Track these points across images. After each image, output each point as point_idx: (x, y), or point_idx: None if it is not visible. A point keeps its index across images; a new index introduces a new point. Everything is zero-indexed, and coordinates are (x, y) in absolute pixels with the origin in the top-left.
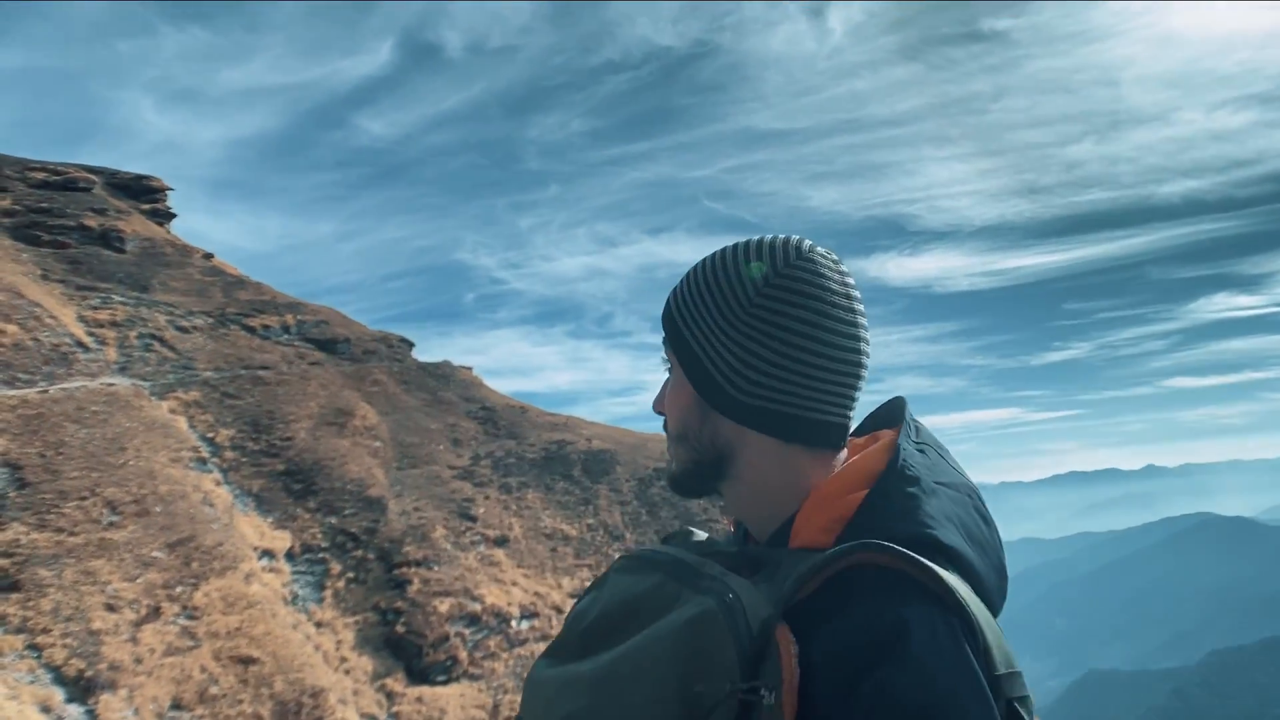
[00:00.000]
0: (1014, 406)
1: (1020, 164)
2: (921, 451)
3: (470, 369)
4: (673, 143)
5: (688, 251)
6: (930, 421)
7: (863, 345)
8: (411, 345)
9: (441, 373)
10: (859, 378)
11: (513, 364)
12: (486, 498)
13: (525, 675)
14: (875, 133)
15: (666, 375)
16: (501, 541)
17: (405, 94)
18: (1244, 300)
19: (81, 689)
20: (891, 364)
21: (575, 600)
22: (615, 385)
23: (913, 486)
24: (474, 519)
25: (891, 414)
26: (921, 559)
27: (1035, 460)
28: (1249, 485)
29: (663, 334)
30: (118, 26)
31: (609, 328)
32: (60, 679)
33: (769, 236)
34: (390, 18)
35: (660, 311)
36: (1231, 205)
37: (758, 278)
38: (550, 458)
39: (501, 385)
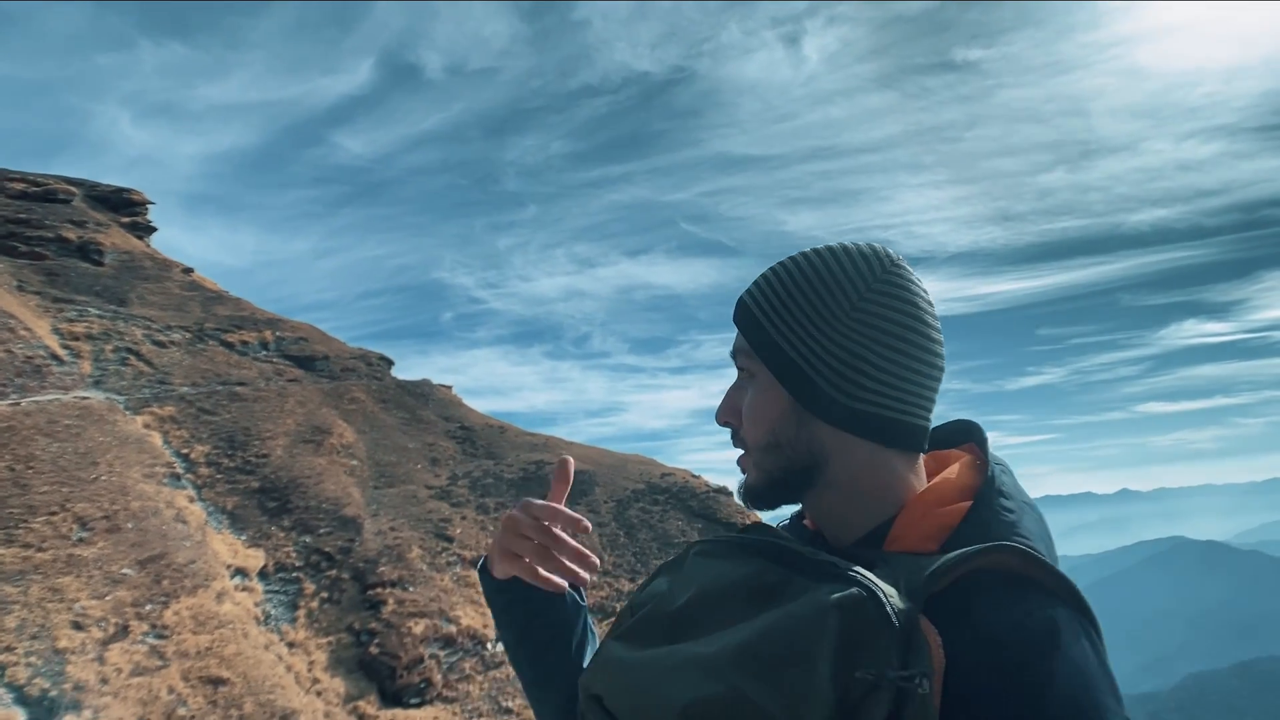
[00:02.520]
0: (990, 431)
1: (993, 192)
2: (1001, 470)
3: (449, 388)
4: (650, 166)
5: (666, 273)
6: None
7: (943, 351)
8: (391, 363)
9: (420, 391)
10: (940, 382)
11: (491, 383)
12: (463, 518)
13: (600, 656)
14: (851, 159)
15: (742, 384)
16: (477, 563)
17: (384, 113)
18: (1214, 327)
19: (45, 709)
20: None
21: (642, 583)
22: (593, 406)
23: (1009, 502)
24: (450, 539)
25: (954, 433)
26: (1057, 567)
27: None
28: (1222, 509)
29: (740, 340)
30: (96, 39)
31: (587, 348)
32: (23, 699)
33: (855, 243)
34: (370, 38)
35: (637, 332)
36: (1200, 234)
37: (860, 281)
38: (528, 478)
39: (480, 405)
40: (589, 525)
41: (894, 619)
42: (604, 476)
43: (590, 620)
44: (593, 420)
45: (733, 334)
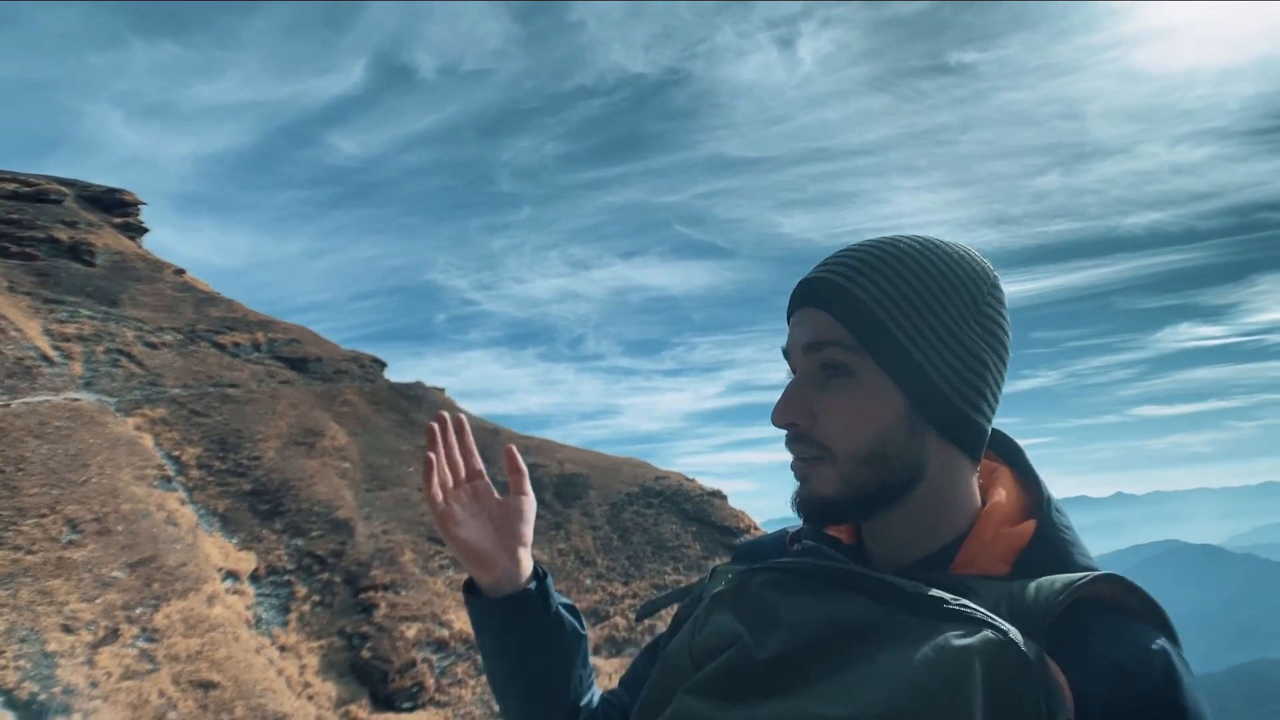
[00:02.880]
0: None
1: (988, 194)
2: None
3: (443, 390)
4: (645, 168)
5: (660, 276)
6: None
7: None
8: (384, 365)
9: (414, 394)
10: None
11: (484, 385)
12: None
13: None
14: (845, 162)
15: (820, 381)
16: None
17: (378, 114)
18: (1208, 330)
19: (34, 713)
20: None
21: (688, 617)
22: (587, 408)
23: (1065, 519)
24: (443, 543)
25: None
26: (1154, 598)
27: None
28: (1216, 513)
29: (834, 331)
30: (89, 38)
31: (581, 351)
32: (12, 702)
33: (949, 240)
34: (363, 38)
35: (633, 334)
36: (1194, 237)
37: (982, 282)
38: None
39: (473, 407)
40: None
41: (1032, 663)
42: (598, 479)
43: (589, 651)
44: (587, 423)
45: (729, 331)
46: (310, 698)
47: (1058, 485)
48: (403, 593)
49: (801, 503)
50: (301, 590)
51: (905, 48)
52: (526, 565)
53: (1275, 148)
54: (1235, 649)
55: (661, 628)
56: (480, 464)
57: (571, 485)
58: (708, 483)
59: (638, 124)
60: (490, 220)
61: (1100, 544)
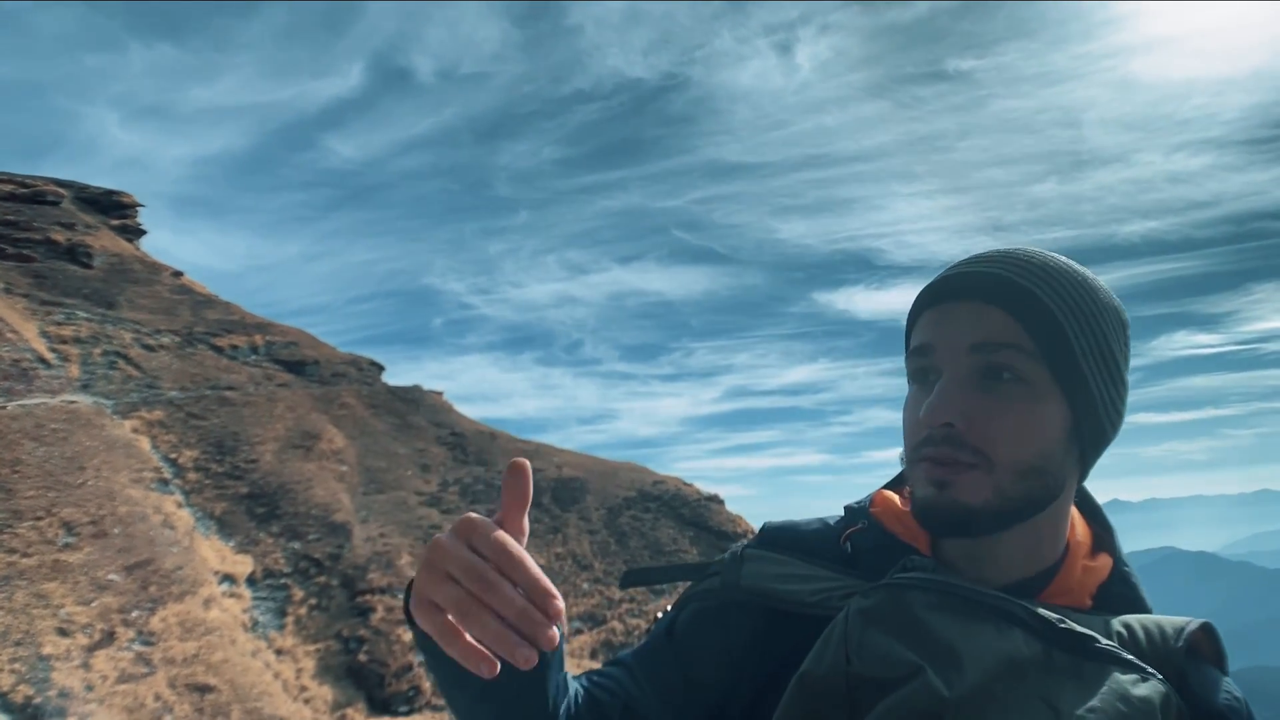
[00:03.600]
0: None
1: (985, 202)
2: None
3: (440, 394)
4: (643, 173)
5: (658, 281)
6: (898, 454)
7: None
8: (382, 369)
9: (411, 397)
10: None
11: (481, 390)
12: None
13: None
14: (843, 168)
15: (987, 386)
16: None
17: (375, 117)
18: (1204, 338)
19: (29, 717)
20: (860, 397)
21: (843, 636)
22: (585, 413)
23: (1126, 557)
24: None
25: None
26: (1222, 643)
27: None
28: (1211, 520)
29: (1018, 336)
30: (85, 40)
31: (578, 355)
32: (8, 706)
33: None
34: (361, 41)
35: (632, 339)
36: (1190, 246)
37: (1125, 321)
38: None
39: (470, 411)
40: (551, 592)
41: (1186, 714)
42: (595, 484)
43: (568, 681)
44: (584, 427)
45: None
46: (307, 701)
47: None
48: (400, 596)
49: (935, 508)
50: (298, 593)
51: (903, 54)
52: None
53: (1272, 157)
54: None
55: (644, 600)
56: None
57: (569, 489)
58: (705, 488)
59: (636, 129)
60: (488, 224)
61: None
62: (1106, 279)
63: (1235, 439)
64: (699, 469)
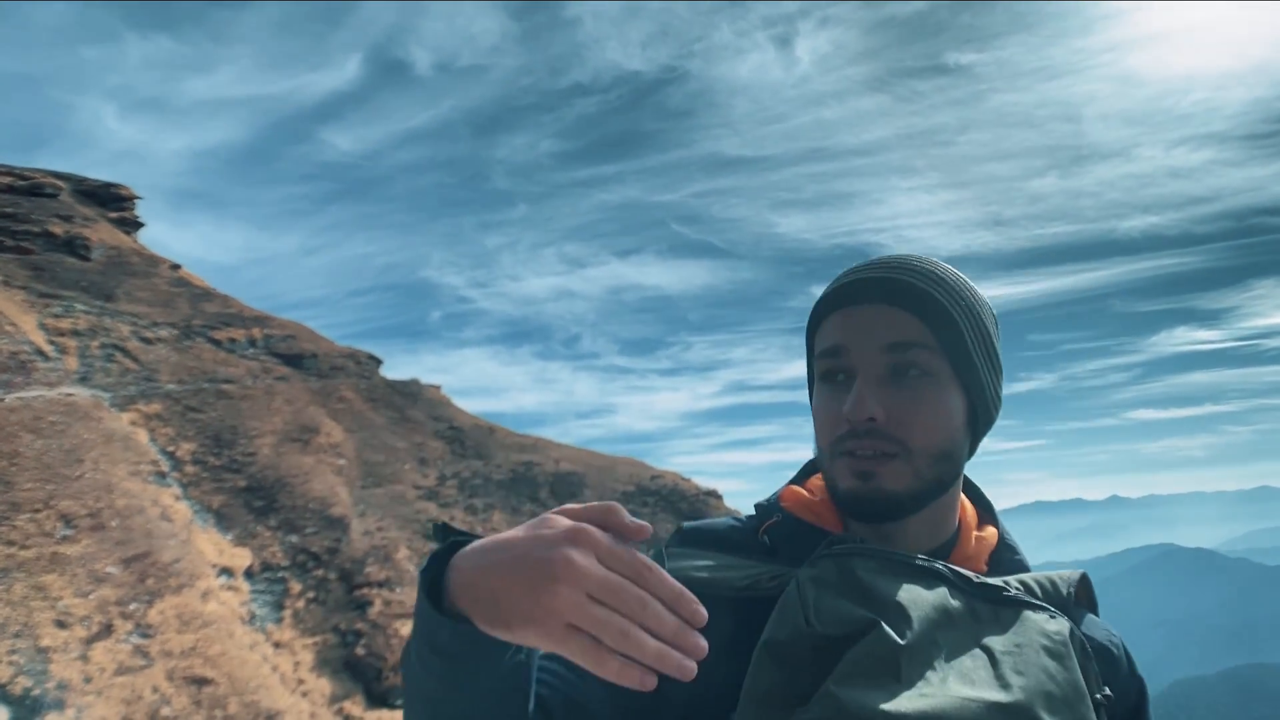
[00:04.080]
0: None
1: (985, 196)
2: None
3: (438, 387)
4: (641, 166)
5: (656, 275)
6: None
7: None
8: (380, 362)
9: (409, 391)
10: None
11: (480, 383)
12: (452, 518)
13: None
14: (842, 162)
15: (901, 382)
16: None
17: (373, 110)
18: (1204, 334)
19: (28, 708)
20: None
21: (819, 605)
22: (583, 407)
23: (1008, 528)
24: (438, 540)
25: None
26: (1094, 592)
27: (1002, 490)
28: (1211, 517)
29: (924, 335)
30: (82, 32)
31: (577, 349)
32: (5, 698)
33: None
34: (358, 33)
35: (630, 333)
36: (1191, 241)
37: (994, 312)
38: (517, 479)
39: (468, 405)
40: (691, 599)
41: (1087, 645)
42: (593, 478)
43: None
44: (582, 421)
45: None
46: (304, 694)
47: (1051, 488)
48: (397, 590)
49: (863, 497)
50: (296, 587)
51: (903, 48)
52: None
53: (1273, 152)
54: (1228, 652)
55: None
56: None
57: (567, 484)
58: (703, 482)
59: (634, 122)
60: (485, 218)
61: (1095, 547)
62: (1107, 274)
63: (1235, 435)
64: (697, 464)
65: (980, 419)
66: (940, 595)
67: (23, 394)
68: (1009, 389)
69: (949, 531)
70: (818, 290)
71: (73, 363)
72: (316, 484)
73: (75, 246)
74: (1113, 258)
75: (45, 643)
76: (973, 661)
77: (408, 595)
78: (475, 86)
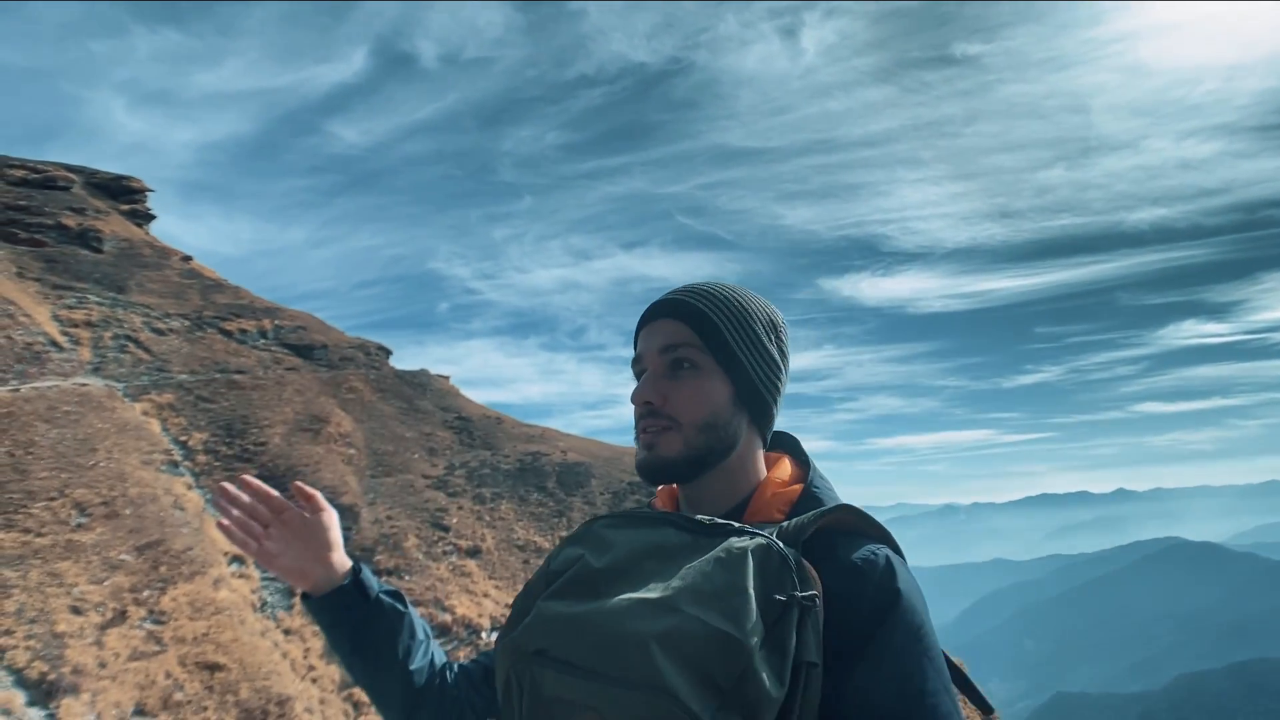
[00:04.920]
0: (987, 428)
1: (992, 188)
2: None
3: (447, 378)
4: (646, 158)
5: (662, 266)
6: (902, 441)
7: None
8: (389, 353)
9: (418, 381)
10: None
11: (487, 374)
12: (460, 508)
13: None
14: (849, 153)
15: (675, 373)
16: (474, 552)
17: (379, 102)
18: (1212, 328)
19: (44, 692)
20: (864, 384)
21: (548, 556)
22: (589, 398)
23: (828, 485)
24: (446, 529)
25: (778, 440)
26: (878, 520)
27: (1007, 482)
28: (1217, 511)
29: (688, 336)
30: (90, 26)
31: (583, 341)
32: (22, 682)
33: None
34: (364, 26)
35: (635, 323)
36: (1200, 233)
37: (780, 320)
38: (525, 469)
39: (476, 395)
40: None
41: (789, 558)
42: (600, 469)
43: (417, 622)
44: (589, 412)
45: None
46: (314, 680)
47: (1057, 481)
48: (406, 578)
49: (647, 464)
50: None
51: (910, 39)
52: (341, 565)
53: None
54: (1234, 647)
55: None
56: (278, 497)
57: (574, 474)
58: None
59: (639, 114)
60: (492, 210)
61: (1101, 540)
62: (1115, 266)
63: (1243, 429)
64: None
65: (748, 399)
66: (660, 534)
67: (38, 384)
68: (1013, 381)
69: (745, 491)
70: (825, 281)
71: (86, 353)
72: (327, 473)
73: (88, 239)
74: (1120, 250)
75: (61, 628)
76: (660, 577)
77: (417, 583)
78: (481, 79)
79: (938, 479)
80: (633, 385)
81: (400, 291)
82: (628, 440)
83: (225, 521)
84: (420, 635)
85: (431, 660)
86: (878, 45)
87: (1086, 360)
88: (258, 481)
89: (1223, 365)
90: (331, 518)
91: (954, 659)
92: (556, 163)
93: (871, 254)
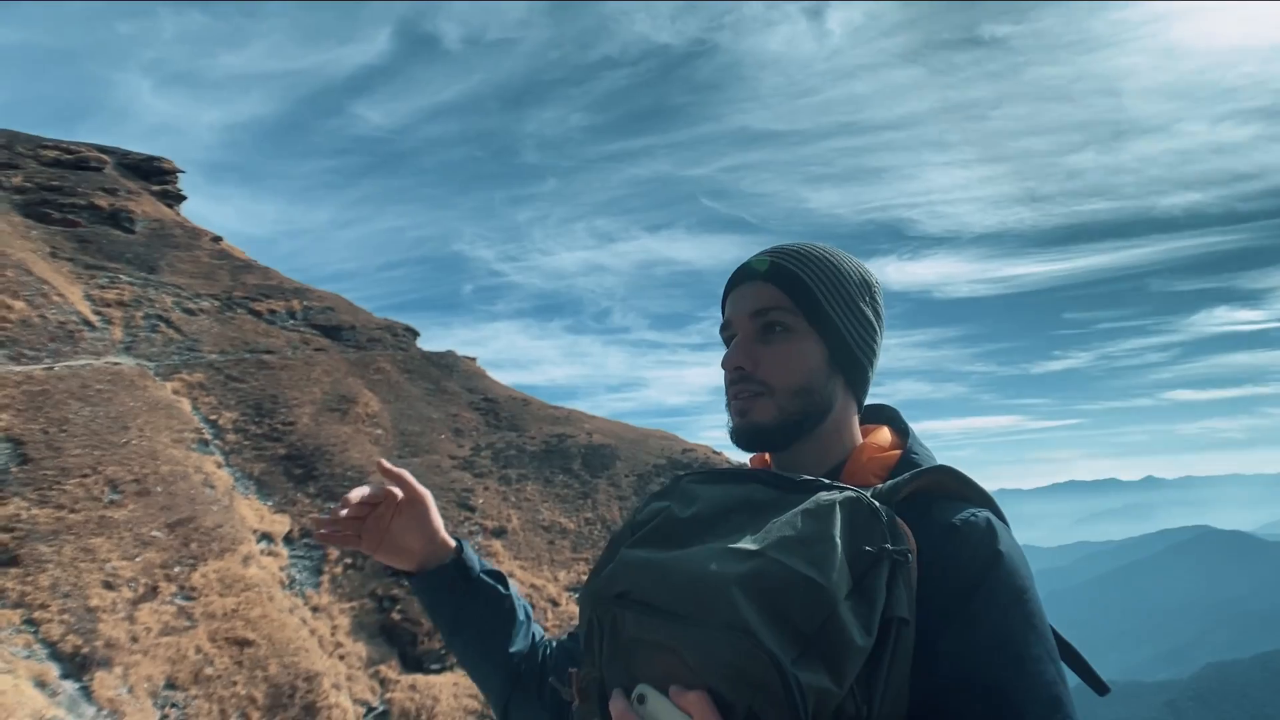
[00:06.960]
0: (1014, 414)
1: (1021, 171)
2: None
3: (474, 359)
4: (670, 140)
5: (687, 249)
6: (930, 426)
7: None
8: (416, 334)
9: (445, 363)
10: None
11: (511, 356)
12: (486, 489)
13: (612, 564)
14: (874, 136)
15: (767, 338)
16: (499, 533)
17: (403, 84)
18: (1245, 315)
19: (77, 665)
20: (891, 369)
21: (635, 509)
22: (613, 380)
23: (928, 450)
24: (473, 509)
25: (877, 412)
26: (986, 489)
27: (1035, 468)
28: (1248, 499)
29: (781, 299)
30: (117, 7)
31: (607, 323)
32: (56, 655)
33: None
34: (387, 7)
35: (659, 307)
36: (1233, 219)
37: (874, 279)
38: (550, 450)
39: (501, 377)
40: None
41: (880, 511)
42: (626, 451)
43: (518, 603)
44: (613, 395)
45: None
46: (341, 657)
47: (1086, 467)
48: None
49: (741, 431)
50: (334, 553)
51: (938, 20)
52: (444, 545)
53: None
54: (1263, 636)
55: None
56: (370, 494)
57: (599, 455)
58: (735, 457)
59: (663, 96)
60: (516, 192)
61: (1129, 527)
62: (1146, 252)
63: (1275, 418)
64: (728, 439)
65: (843, 361)
66: (749, 490)
67: (71, 363)
68: (1043, 367)
69: (840, 456)
70: None
71: (118, 333)
72: (354, 453)
73: (120, 219)
74: (1152, 235)
75: (94, 603)
76: (746, 529)
77: None
78: (504, 60)
79: (964, 465)
80: (720, 352)
81: (425, 273)
82: (652, 423)
83: (324, 532)
84: (521, 616)
85: (532, 641)
86: (905, 26)
87: (1116, 346)
88: (348, 497)
89: (1256, 353)
90: (427, 497)
91: (1064, 637)
92: (580, 145)
93: (897, 238)
